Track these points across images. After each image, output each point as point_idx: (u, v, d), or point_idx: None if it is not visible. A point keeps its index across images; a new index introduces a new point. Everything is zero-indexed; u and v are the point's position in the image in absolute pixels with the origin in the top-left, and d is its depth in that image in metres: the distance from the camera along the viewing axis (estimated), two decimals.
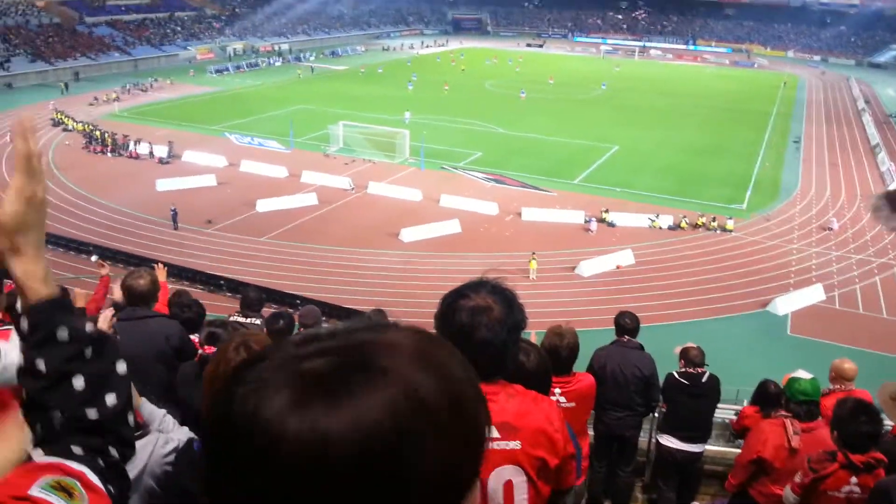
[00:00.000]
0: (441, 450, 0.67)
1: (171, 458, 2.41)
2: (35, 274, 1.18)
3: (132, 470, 2.31)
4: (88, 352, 1.21)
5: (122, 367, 1.27)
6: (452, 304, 2.05)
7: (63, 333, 1.19)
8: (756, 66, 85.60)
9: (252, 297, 7.16)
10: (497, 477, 2.07)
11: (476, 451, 0.73)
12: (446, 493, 0.68)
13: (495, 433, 2.06)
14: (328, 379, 0.66)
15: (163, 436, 2.46)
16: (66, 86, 54.11)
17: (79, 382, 1.19)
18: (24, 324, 1.18)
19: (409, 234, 26.83)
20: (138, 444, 2.34)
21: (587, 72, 71.41)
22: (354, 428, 0.62)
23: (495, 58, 79.34)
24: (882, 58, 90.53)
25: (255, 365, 0.70)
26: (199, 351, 3.80)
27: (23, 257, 1.17)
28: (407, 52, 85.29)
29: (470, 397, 0.73)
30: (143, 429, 2.41)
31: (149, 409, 2.52)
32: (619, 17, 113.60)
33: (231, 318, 6.55)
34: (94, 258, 23.89)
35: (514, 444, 2.07)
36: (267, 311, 7.84)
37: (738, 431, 6.37)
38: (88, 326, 1.23)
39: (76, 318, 1.22)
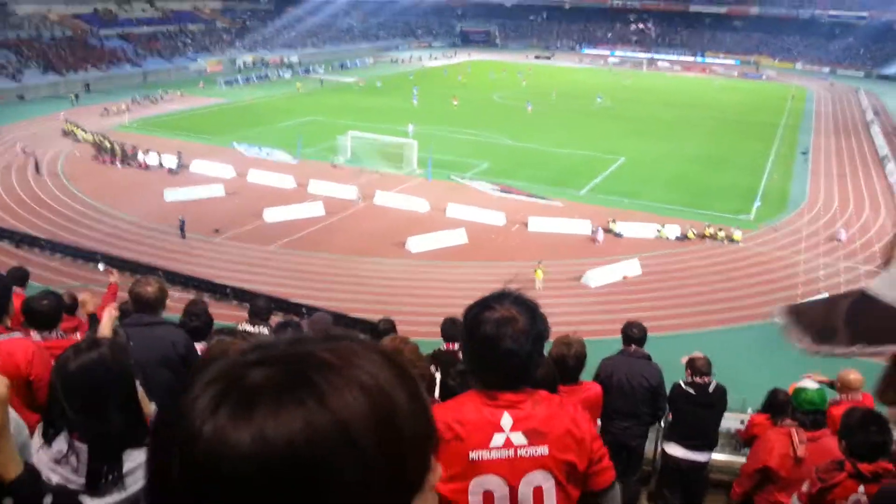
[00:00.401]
0: (361, 481, 0.64)
1: None
2: (8, 460, 1.23)
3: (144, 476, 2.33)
4: None
5: None
6: (478, 315, 2.08)
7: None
8: (764, 77, 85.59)
9: (260, 305, 7.20)
10: (527, 483, 2.08)
11: (411, 482, 0.71)
12: None
13: (523, 440, 2.07)
14: (256, 391, 0.65)
15: None
16: (77, 97, 54.56)
17: None
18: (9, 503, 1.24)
19: (415, 244, 26.87)
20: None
21: (593, 84, 71.48)
22: (257, 444, 0.61)
23: (504, 70, 79.48)
24: (891, 69, 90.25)
25: (203, 368, 0.70)
26: None
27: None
28: (416, 65, 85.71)
29: (410, 428, 0.70)
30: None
31: None
32: (629, 29, 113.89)
33: (240, 327, 6.59)
34: (101, 266, 24.04)
35: (543, 450, 2.08)
36: (275, 320, 7.88)
37: (745, 440, 6.35)
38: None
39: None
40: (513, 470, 2.06)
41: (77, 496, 2.20)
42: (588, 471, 2.19)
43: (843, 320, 0.77)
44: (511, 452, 2.06)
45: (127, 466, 2.32)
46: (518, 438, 2.06)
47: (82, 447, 2.29)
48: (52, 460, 2.29)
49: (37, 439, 2.39)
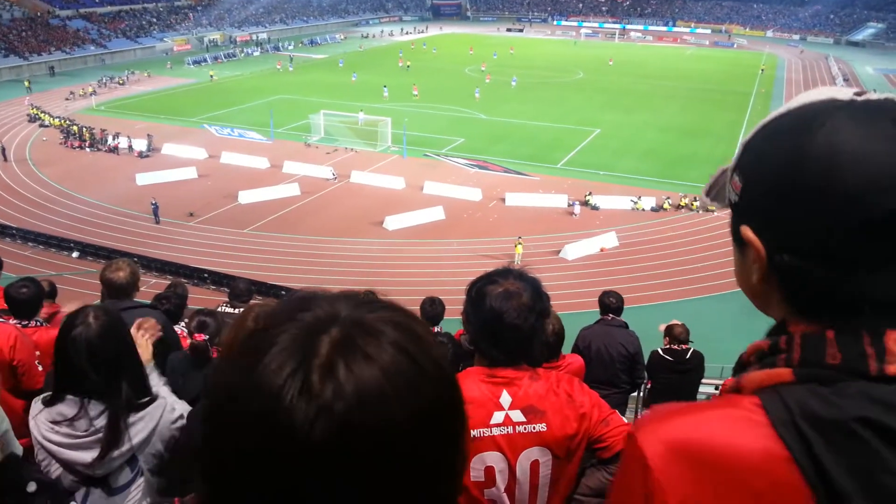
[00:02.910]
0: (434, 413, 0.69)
1: (179, 423, 2.55)
2: None
3: (143, 430, 2.42)
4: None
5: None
6: (482, 289, 2.10)
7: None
8: (735, 46, 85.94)
9: (241, 287, 7.16)
10: (525, 458, 2.11)
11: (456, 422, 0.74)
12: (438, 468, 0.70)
13: (521, 417, 2.09)
14: (336, 351, 0.66)
15: (169, 403, 2.58)
16: (30, 84, 51.73)
17: None
18: None
19: (393, 222, 26.81)
20: (149, 409, 2.48)
21: (556, 58, 71.23)
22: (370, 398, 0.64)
23: (472, 48, 78.83)
24: (860, 35, 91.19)
25: (263, 337, 0.69)
26: (190, 340, 3.82)
27: None
28: (387, 40, 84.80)
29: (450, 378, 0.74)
30: (150, 395, 2.54)
31: (154, 380, 2.65)
32: None
33: (220, 309, 6.55)
34: (74, 255, 23.73)
35: (541, 427, 2.10)
36: (255, 302, 7.85)
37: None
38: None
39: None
40: (512, 446, 2.09)
41: (60, 486, 2.26)
42: (600, 437, 2.22)
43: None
44: (510, 429, 2.08)
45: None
46: (517, 416, 2.09)
47: (95, 411, 2.36)
48: (51, 421, 2.35)
49: (36, 405, 2.44)
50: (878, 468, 0.73)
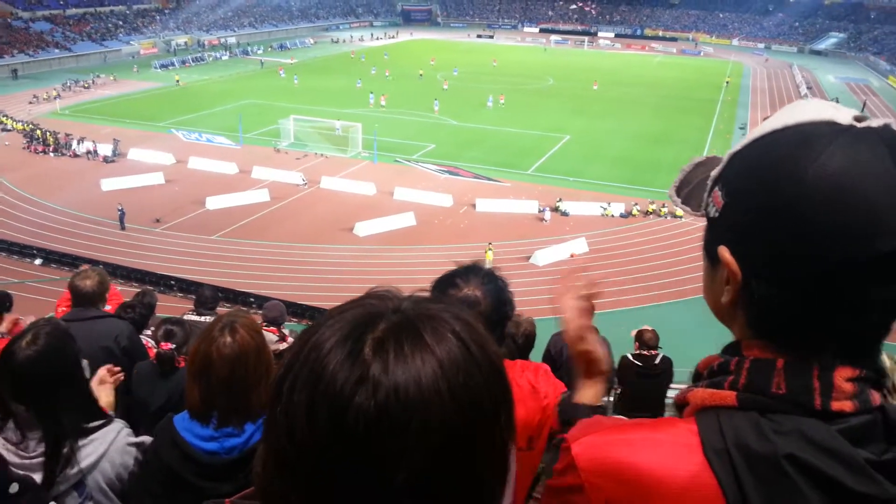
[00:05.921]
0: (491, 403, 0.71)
1: (135, 451, 2.42)
2: None
3: (93, 454, 2.32)
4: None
5: None
6: (442, 292, 2.06)
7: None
8: (702, 54, 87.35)
9: (207, 295, 7.07)
10: None
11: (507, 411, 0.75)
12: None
13: None
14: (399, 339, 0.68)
15: (126, 428, 2.48)
16: None
17: None
18: None
19: (363, 229, 26.71)
20: (99, 433, 2.37)
21: (526, 66, 71.67)
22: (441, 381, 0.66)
23: (434, 59, 78.91)
24: (822, 45, 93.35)
25: (329, 315, 0.72)
26: (156, 349, 3.76)
27: None
28: (357, 45, 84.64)
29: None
30: (102, 418, 2.43)
31: (115, 425, 2.55)
32: (569, 6, 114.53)
33: (185, 317, 6.46)
34: (38, 262, 23.24)
35: None
36: (222, 310, 7.75)
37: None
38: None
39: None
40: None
41: (42, 488, 2.19)
42: (563, 428, 2.22)
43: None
44: None
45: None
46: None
47: (34, 440, 2.25)
48: (3, 438, 2.26)
49: None
50: None
